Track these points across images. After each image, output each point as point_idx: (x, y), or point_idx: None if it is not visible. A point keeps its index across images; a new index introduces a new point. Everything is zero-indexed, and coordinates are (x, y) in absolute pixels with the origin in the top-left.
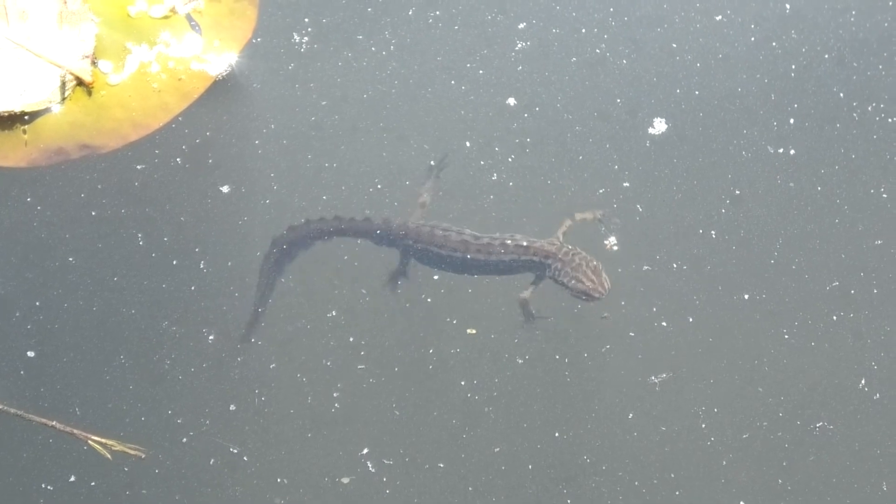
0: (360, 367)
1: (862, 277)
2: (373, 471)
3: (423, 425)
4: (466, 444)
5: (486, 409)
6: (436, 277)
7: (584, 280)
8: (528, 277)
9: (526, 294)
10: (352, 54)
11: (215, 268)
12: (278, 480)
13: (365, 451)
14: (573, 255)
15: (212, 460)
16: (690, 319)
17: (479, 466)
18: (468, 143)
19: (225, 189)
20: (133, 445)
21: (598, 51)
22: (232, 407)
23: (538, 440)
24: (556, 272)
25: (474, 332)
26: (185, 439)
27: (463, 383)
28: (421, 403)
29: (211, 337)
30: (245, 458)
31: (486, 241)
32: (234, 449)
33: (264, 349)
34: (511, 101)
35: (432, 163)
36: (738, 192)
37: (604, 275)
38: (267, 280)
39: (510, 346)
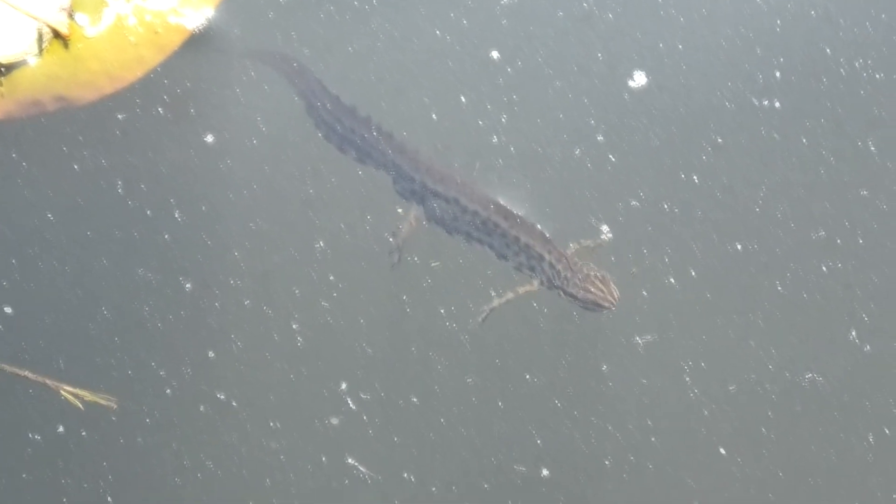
0: (323, 304)
1: (847, 227)
2: (353, 408)
3: (399, 360)
4: (440, 376)
5: (462, 339)
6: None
7: (593, 290)
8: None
9: (521, 290)
10: (334, 7)
11: (190, 217)
12: (271, 425)
13: (343, 386)
14: (581, 265)
15: (201, 407)
16: (693, 273)
17: (452, 398)
18: (463, 99)
19: (209, 139)
20: (105, 395)
21: (585, 5)
22: (211, 354)
23: (509, 380)
24: (565, 282)
25: (438, 264)
26: (168, 390)
27: (442, 311)
28: (396, 335)
29: (188, 285)
30: (234, 404)
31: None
32: (220, 395)
33: (240, 289)
34: (495, 53)
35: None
36: (720, 139)
37: (612, 285)
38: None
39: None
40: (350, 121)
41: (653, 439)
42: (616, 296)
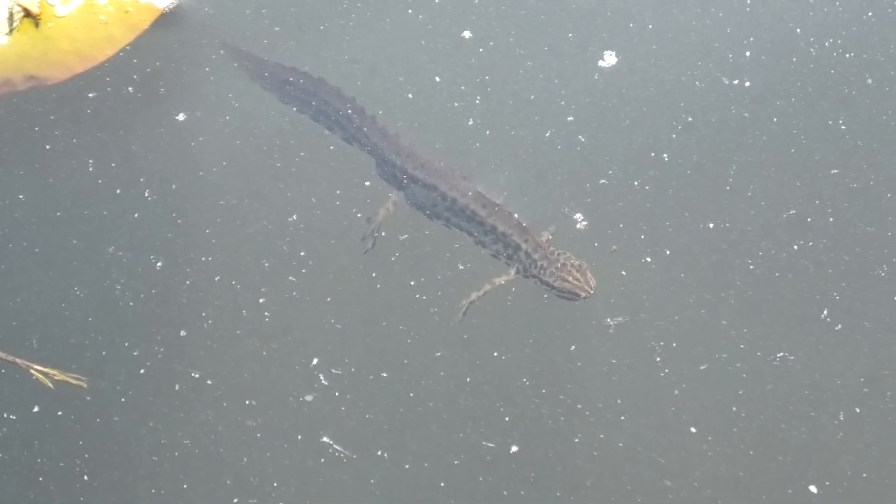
0: (291, 278)
1: (818, 206)
2: (326, 384)
3: (368, 334)
4: (409, 349)
5: (431, 311)
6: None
7: (570, 279)
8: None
9: (500, 280)
10: None
11: (160, 195)
12: (246, 402)
13: (315, 361)
14: (558, 254)
15: (176, 386)
16: (668, 252)
17: (421, 372)
18: (438, 79)
19: (181, 117)
20: (75, 375)
21: None
22: (182, 332)
23: (477, 356)
24: (542, 271)
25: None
26: (142, 370)
27: (412, 283)
28: (365, 309)
29: (159, 264)
30: (209, 382)
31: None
32: (195, 374)
33: (210, 265)
34: (467, 33)
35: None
36: (690, 118)
37: (588, 273)
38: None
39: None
40: (334, 101)
41: (622, 418)
42: (592, 285)
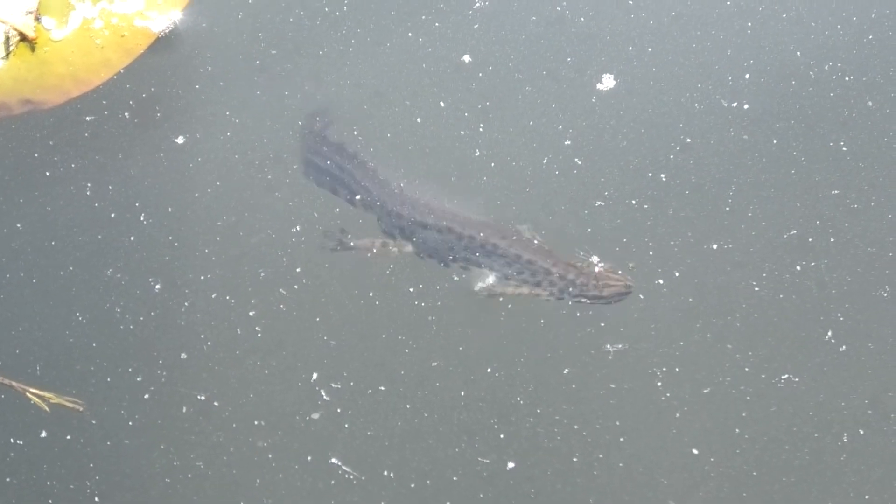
0: (281, 290)
1: (818, 226)
2: (328, 399)
3: (365, 346)
4: (407, 359)
5: (430, 318)
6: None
7: (613, 283)
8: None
9: (511, 289)
10: (304, 12)
11: (156, 218)
12: (255, 423)
13: (315, 376)
14: (585, 266)
15: (184, 408)
16: (677, 274)
17: (417, 383)
18: (442, 104)
19: (180, 140)
20: (71, 399)
21: (558, 9)
22: (183, 355)
23: (471, 370)
24: (584, 288)
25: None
26: (146, 395)
27: (411, 290)
28: (361, 318)
29: (157, 286)
30: (216, 404)
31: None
32: (200, 396)
33: (208, 284)
34: (466, 57)
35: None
36: (688, 140)
37: (620, 271)
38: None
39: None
40: (342, 161)
41: (621, 439)
42: (630, 280)
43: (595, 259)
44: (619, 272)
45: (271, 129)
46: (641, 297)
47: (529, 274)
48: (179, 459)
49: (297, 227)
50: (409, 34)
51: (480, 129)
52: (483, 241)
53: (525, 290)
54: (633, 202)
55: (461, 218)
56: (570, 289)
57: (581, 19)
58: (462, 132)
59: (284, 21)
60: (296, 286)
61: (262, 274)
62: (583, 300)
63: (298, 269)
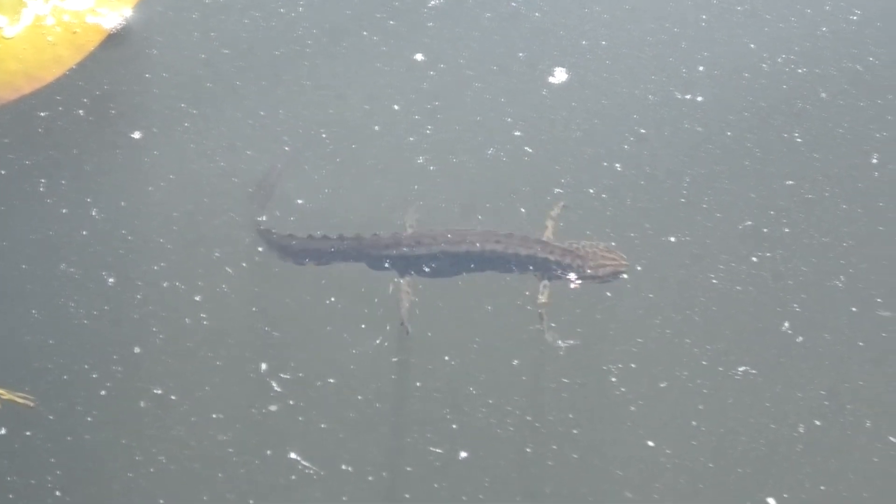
0: (224, 286)
1: (773, 217)
2: (279, 390)
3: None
4: (356, 357)
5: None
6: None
7: (608, 263)
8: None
9: (543, 298)
10: (259, 14)
11: (108, 213)
12: (214, 416)
13: (263, 367)
14: (581, 246)
15: (141, 403)
16: (639, 268)
17: (369, 377)
18: (396, 107)
19: (136, 135)
20: (22, 395)
21: (513, 4)
22: (137, 349)
23: (428, 362)
24: (580, 269)
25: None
26: (103, 391)
27: (363, 289)
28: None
29: (111, 280)
30: (173, 398)
31: (504, 235)
32: (157, 390)
33: (161, 273)
34: (419, 56)
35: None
36: (642, 131)
37: (615, 251)
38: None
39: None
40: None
41: (575, 431)
42: (625, 257)
43: (588, 242)
44: (614, 251)
45: (227, 118)
46: (608, 294)
47: (532, 266)
48: (141, 454)
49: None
50: (364, 32)
51: (427, 132)
52: (481, 251)
53: (545, 301)
54: (591, 191)
55: (449, 237)
56: (568, 272)
57: (536, 14)
58: (411, 138)
59: (238, 22)
60: (241, 270)
61: (217, 254)
62: (580, 281)
63: (258, 257)
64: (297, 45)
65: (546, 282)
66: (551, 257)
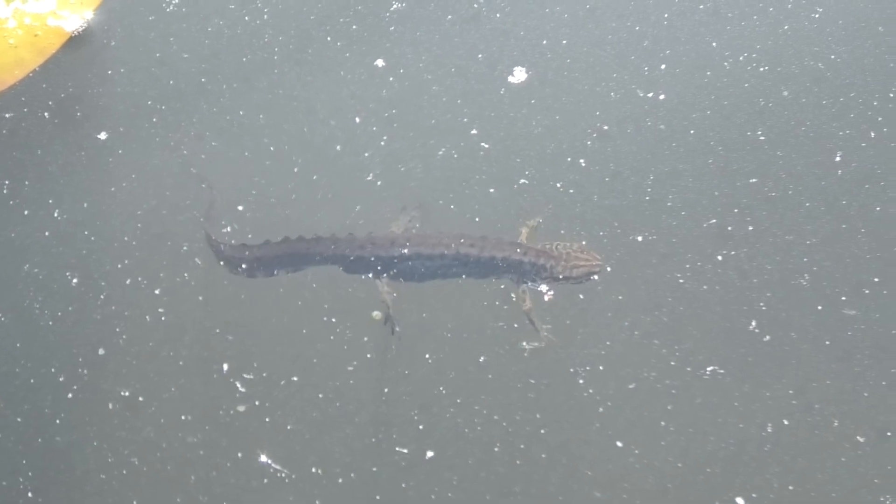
0: (185, 275)
1: (736, 214)
2: (243, 390)
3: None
4: (321, 358)
5: (333, 320)
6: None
7: (581, 264)
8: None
9: (528, 305)
10: (223, 22)
11: (70, 214)
12: (183, 418)
13: (225, 367)
14: (556, 246)
15: (109, 405)
16: (609, 269)
17: (332, 377)
18: (357, 119)
19: (102, 136)
20: None
21: (475, 6)
22: (101, 351)
23: (395, 364)
24: (553, 271)
25: (378, 316)
26: (69, 394)
27: (314, 286)
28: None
29: (74, 280)
30: (141, 399)
31: (478, 238)
32: (124, 392)
33: (124, 271)
34: (380, 62)
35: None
36: (605, 127)
37: (591, 252)
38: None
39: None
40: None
41: (542, 431)
42: (598, 257)
43: (544, 287)
44: (587, 251)
45: (192, 117)
46: (581, 296)
47: (507, 269)
48: (113, 456)
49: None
50: (329, 38)
51: (382, 143)
52: (455, 254)
53: (530, 308)
54: (559, 185)
55: (425, 240)
56: (543, 273)
57: (497, 16)
58: (366, 154)
59: (203, 30)
60: (200, 265)
61: (185, 248)
62: (554, 282)
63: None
64: (265, 51)
65: (525, 286)
66: (525, 259)
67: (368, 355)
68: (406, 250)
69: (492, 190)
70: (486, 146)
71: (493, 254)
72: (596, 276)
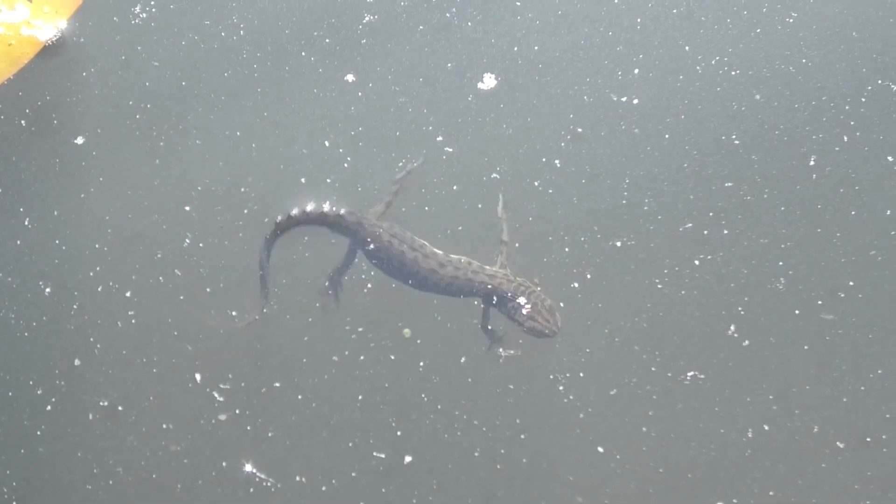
0: (159, 278)
1: (712, 218)
2: (221, 399)
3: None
4: (303, 367)
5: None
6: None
7: (539, 320)
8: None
9: (485, 323)
10: (199, 37)
11: (41, 223)
12: (164, 426)
13: (198, 377)
14: (528, 293)
15: (90, 415)
16: (589, 276)
17: (312, 384)
18: (327, 143)
19: (79, 141)
20: None
21: (447, 15)
22: (77, 362)
23: (370, 367)
24: (513, 311)
25: (408, 333)
26: (48, 406)
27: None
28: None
29: (47, 289)
30: (120, 409)
31: (448, 259)
32: (103, 402)
33: (96, 279)
34: (350, 76)
35: (404, 166)
36: (579, 129)
37: (557, 314)
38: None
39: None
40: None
41: (522, 436)
42: (559, 325)
43: (522, 300)
44: (553, 314)
45: (169, 127)
46: (561, 304)
47: (479, 292)
48: (98, 466)
49: (188, 208)
50: (303, 53)
51: (345, 165)
52: (444, 276)
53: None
54: (536, 184)
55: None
56: (501, 306)
57: (468, 24)
58: (328, 179)
59: (177, 44)
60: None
61: (160, 255)
62: (509, 318)
63: (188, 243)
64: (244, 67)
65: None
66: (490, 289)
67: (346, 352)
68: (377, 243)
69: (455, 187)
70: (450, 150)
71: (457, 275)
72: (543, 339)
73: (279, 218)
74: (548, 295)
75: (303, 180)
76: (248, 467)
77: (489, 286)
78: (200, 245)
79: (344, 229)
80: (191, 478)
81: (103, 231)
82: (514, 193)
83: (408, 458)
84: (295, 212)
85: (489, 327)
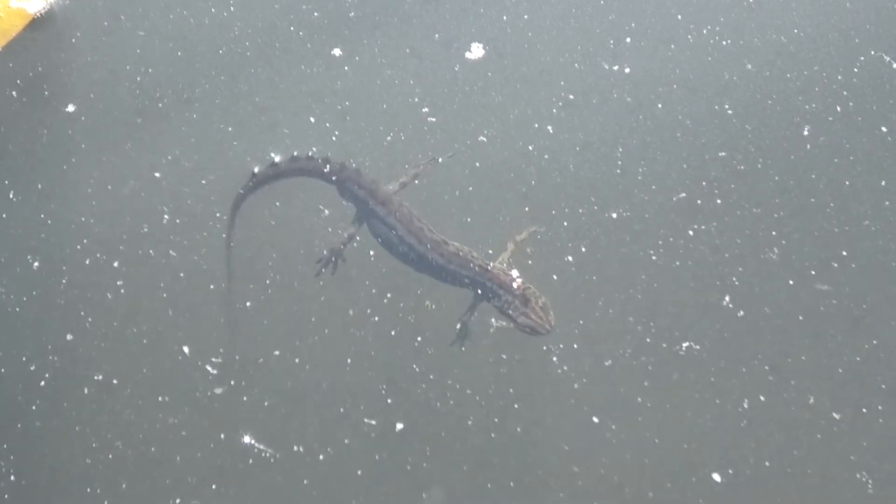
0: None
1: (704, 187)
2: (215, 372)
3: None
4: (294, 333)
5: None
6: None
7: (532, 316)
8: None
9: (466, 317)
10: (187, 11)
11: (25, 196)
12: (160, 399)
13: (186, 349)
14: (524, 289)
15: (85, 390)
16: (583, 249)
17: (303, 357)
18: (312, 119)
19: (70, 108)
20: None
21: None
22: (69, 336)
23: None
24: (507, 304)
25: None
26: (42, 382)
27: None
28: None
29: (36, 264)
30: (115, 382)
31: (451, 247)
32: (97, 376)
33: (82, 251)
34: (337, 51)
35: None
36: (571, 96)
37: (551, 313)
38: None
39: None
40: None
41: (516, 406)
42: (553, 324)
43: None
44: (551, 315)
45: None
46: (554, 277)
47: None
48: (97, 440)
49: (158, 174)
50: (292, 28)
51: (333, 138)
52: (446, 251)
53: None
54: (531, 147)
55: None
56: (495, 300)
57: None
58: (314, 149)
59: (166, 19)
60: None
61: (146, 229)
62: (501, 312)
63: (168, 218)
64: (235, 44)
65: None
66: (489, 283)
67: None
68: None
69: (440, 159)
70: (434, 120)
71: (458, 268)
72: (535, 336)
73: (256, 168)
74: (542, 292)
75: (294, 153)
76: (247, 439)
77: (486, 272)
78: (177, 221)
79: (353, 187)
80: (189, 450)
81: (88, 203)
82: (502, 155)
83: (399, 426)
84: (279, 160)
85: (468, 321)
